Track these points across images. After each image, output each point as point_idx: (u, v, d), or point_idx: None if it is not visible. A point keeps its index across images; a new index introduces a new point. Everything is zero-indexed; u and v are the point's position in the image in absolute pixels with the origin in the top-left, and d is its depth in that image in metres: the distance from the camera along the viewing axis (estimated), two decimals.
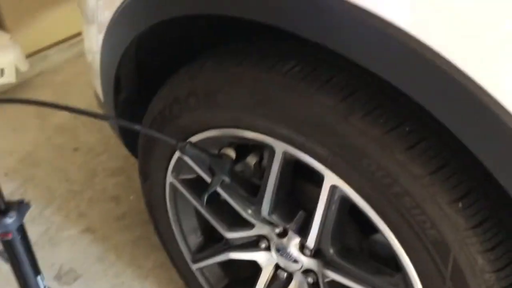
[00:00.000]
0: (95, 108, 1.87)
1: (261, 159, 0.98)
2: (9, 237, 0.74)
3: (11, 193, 1.66)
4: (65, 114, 1.95)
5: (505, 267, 0.68)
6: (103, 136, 1.87)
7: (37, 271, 0.81)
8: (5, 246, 0.77)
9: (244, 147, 0.96)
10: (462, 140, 0.57)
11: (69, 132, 1.88)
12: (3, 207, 0.73)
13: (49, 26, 2.15)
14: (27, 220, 1.48)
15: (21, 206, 0.74)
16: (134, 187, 1.66)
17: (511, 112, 0.52)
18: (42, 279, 0.83)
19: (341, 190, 0.77)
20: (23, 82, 2.07)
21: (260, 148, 0.96)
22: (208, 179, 0.96)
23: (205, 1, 0.75)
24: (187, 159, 0.95)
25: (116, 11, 0.89)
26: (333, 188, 0.78)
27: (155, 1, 0.81)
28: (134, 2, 0.83)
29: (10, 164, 1.77)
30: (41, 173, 1.72)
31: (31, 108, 2.03)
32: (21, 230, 0.76)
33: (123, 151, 1.78)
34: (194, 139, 0.93)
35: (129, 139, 1.21)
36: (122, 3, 0.86)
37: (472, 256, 0.67)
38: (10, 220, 0.72)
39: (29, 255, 0.79)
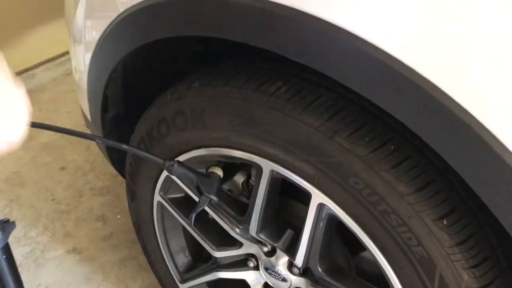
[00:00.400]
0: (83, 126, 1.87)
1: (248, 177, 0.99)
2: None
3: None
4: (51, 133, 1.94)
5: (491, 283, 0.69)
6: (90, 155, 1.86)
7: (20, 286, 0.80)
8: None
9: (231, 166, 0.96)
10: (444, 158, 0.58)
11: (55, 151, 1.87)
12: None
13: (36, 45, 2.15)
14: (12, 241, 1.46)
15: (6, 226, 0.74)
16: (121, 207, 1.65)
17: (490, 129, 0.53)
18: None
19: (328, 208, 0.78)
20: None
21: (247, 167, 0.96)
22: (196, 198, 0.96)
23: (189, 25, 0.76)
24: (174, 178, 0.95)
25: (103, 33, 0.89)
26: (321, 206, 0.78)
27: (140, 24, 0.82)
28: (119, 25, 0.84)
29: None
30: (27, 193, 1.70)
31: None
32: (6, 249, 0.75)
33: (110, 170, 1.78)
34: (181, 158, 0.93)
35: (117, 159, 1.21)
36: (109, 25, 0.87)
37: (458, 272, 0.68)
38: None
39: (14, 275, 0.78)
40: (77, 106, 2.13)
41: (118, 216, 1.62)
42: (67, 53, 2.30)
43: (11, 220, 0.77)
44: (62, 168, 1.80)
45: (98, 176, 1.77)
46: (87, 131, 1.65)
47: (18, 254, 1.50)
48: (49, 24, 2.15)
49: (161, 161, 0.87)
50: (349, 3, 0.59)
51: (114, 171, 1.74)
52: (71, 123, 2.05)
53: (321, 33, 0.61)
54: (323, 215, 0.79)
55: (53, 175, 1.76)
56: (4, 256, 0.75)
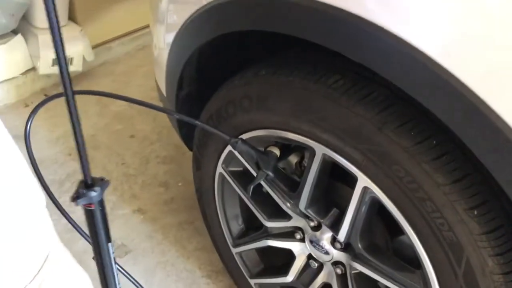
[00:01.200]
0: (151, 99, 2.04)
1: (302, 158, 1.09)
2: (92, 207, 0.89)
3: (74, 171, 1.84)
4: (122, 103, 2.12)
5: None
6: (156, 126, 2.03)
7: (108, 239, 0.96)
8: (86, 215, 0.92)
9: (287, 146, 1.07)
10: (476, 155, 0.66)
11: (126, 120, 2.05)
12: (89, 181, 0.87)
13: (114, 21, 2.34)
14: None
15: (103, 183, 0.89)
16: (183, 175, 1.81)
17: None
18: (112, 246, 0.98)
19: (371, 192, 0.87)
20: (87, 71, 2.27)
21: (301, 148, 1.06)
22: (254, 172, 1.08)
23: (259, 21, 0.86)
24: (237, 153, 1.07)
25: (186, 20, 1.02)
26: (365, 189, 0.88)
27: (222, 16, 0.94)
28: (203, 15, 0.96)
29: (73, 146, 1.95)
30: (100, 156, 1.89)
31: (93, 96, 2.21)
32: (101, 203, 0.90)
33: (175, 141, 1.94)
34: (244, 136, 1.05)
35: (185, 132, 1.35)
36: (192, 14, 0.99)
37: (484, 258, 0.76)
38: (94, 193, 0.87)
39: (104, 224, 0.93)
40: (147, 80, 2.32)
41: (179, 184, 1.78)
42: (139, 29, 2.48)
43: (106, 178, 0.91)
44: (132, 136, 1.98)
45: (163, 146, 1.93)
46: (157, 103, 1.81)
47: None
48: (126, 1, 2.33)
49: (227, 137, 1.00)
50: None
51: (178, 142, 1.90)
52: (141, 96, 2.22)
53: (379, 38, 0.70)
54: (367, 198, 0.89)
55: (123, 142, 1.94)
56: (100, 208, 0.91)
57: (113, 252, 0.99)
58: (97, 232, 0.91)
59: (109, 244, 0.96)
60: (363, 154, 0.84)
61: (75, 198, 0.88)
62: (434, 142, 0.78)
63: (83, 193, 0.87)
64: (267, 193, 1.10)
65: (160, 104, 1.45)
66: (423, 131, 0.80)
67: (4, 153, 0.52)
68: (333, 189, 1.03)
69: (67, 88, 0.75)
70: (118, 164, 1.86)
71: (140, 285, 1.24)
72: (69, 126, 1.83)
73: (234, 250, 1.29)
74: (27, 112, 2.13)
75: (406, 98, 0.81)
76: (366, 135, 0.82)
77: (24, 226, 0.54)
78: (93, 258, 1.08)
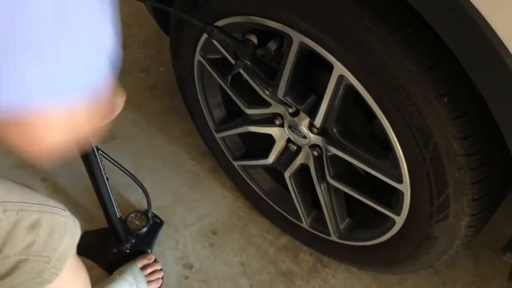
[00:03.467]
0: None
1: (281, 45, 1.08)
2: None
3: None
4: None
5: (475, 153, 0.81)
6: (133, 8, 1.93)
7: None
8: None
9: (265, 33, 1.05)
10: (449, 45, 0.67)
11: None
12: None
13: None
14: None
15: None
16: (164, 60, 1.78)
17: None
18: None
19: (347, 80, 0.88)
20: None
21: (280, 35, 1.05)
22: (232, 60, 1.07)
23: None
24: (214, 42, 1.05)
25: None
26: (340, 77, 0.89)
27: None
28: None
29: None
30: None
31: None
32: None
33: (153, 23, 1.87)
34: (220, 23, 1.02)
35: (161, 17, 1.30)
36: None
37: (449, 142, 0.80)
38: None
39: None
40: None
41: (161, 69, 1.77)
42: None
43: None
44: None
45: (141, 29, 1.87)
46: None
47: None
48: None
49: (202, 25, 0.97)
50: None
51: (157, 25, 1.83)
52: None
53: None
54: (342, 85, 0.90)
55: None
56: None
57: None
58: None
59: None
60: (339, 42, 0.83)
61: None
62: (410, 30, 0.78)
63: None
64: (246, 80, 1.11)
65: None
66: (397, 19, 0.78)
67: None
68: (311, 76, 1.04)
69: None
70: None
71: (126, 170, 1.30)
72: None
73: (217, 135, 1.33)
74: None
75: None
76: (343, 23, 0.81)
77: None
78: None
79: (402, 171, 0.91)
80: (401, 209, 0.98)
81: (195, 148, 1.58)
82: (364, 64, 0.82)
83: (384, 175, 0.96)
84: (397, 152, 0.89)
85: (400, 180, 0.93)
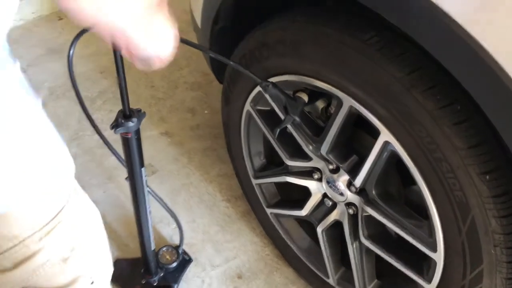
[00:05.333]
0: (181, 21, 2.04)
1: (328, 104, 1.14)
2: (129, 136, 0.96)
3: (105, 89, 1.91)
4: None
5: None
6: (186, 51, 2.05)
7: (142, 164, 1.05)
8: (123, 142, 1.00)
9: (314, 92, 1.11)
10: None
11: None
12: (128, 112, 0.94)
13: None
14: None
15: (140, 114, 0.96)
16: (209, 103, 1.87)
17: None
18: (144, 171, 1.07)
19: (392, 146, 0.92)
20: None
21: (328, 95, 1.10)
22: (280, 114, 1.13)
23: None
24: (267, 96, 1.11)
25: None
26: (386, 143, 0.93)
27: None
28: None
29: (104, 64, 2.01)
30: (130, 77, 1.93)
31: None
32: (137, 132, 0.98)
33: (203, 68, 1.98)
34: (274, 79, 1.09)
35: (217, 66, 1.39)
36: None
37: (488, 219, 0.83)
38: (131, 124, 0.94)
39: (139, 151, 1.02)
40: (179, 2, 2.29)
41: (206, 112, 1.85)
42: None
43: (142, 110, 0.97)
44: None
45: (192, 72, 1.98)
46: (186, 27, 1.83)
47: None
48: None
49: (259, 80, 1.04)
50: None
51: (206, 70, 1.93)
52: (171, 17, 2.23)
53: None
54: (386, 151, 0.94)
55: None
56: (136, 137, 0.98)
57: (145, 176, 1.08)
58: (132, 158, 1.00)
59: (142, 169, 1.05)
60: (389, 111, 0.88)
61: (114, 127, 0.95)
62: (458, 107, 0.82)
63: (122, 123, 0.95)
64: (291, 133, 1.16)
65: (191, 31, 1.47)
66: (448, 96, 0.83)
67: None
68: (355, 136, 1.08)
69: None
70: (148, 87, 1.92)
71: (166, 205, 1.35)
72: (101, 44, 1.87)
73: (254, 181, 1.37)
74: (61, 25, 2.17)
75: (437, 62, 0.84)
76: (394, 93, 0.86)
77: (51, 165, 0.60)
78: (126, 179, 1.18)
79: (437, 240, 0.93)
80: (432, 277, 0.99)
81: (230, 190, 1.63)
82: (411, 135, 0.86)
83: (419, 242, 0.97)
84: (434, 221, 0.92)
85: (434, 249, 0.94)
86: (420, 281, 1.02)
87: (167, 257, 1.38)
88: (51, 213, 0.62)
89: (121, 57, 0.87)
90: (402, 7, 0.78)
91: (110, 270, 0.78)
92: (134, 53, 0.64)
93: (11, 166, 0.54)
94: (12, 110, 0.53)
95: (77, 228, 0.67)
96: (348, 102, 0.95)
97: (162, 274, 1.35)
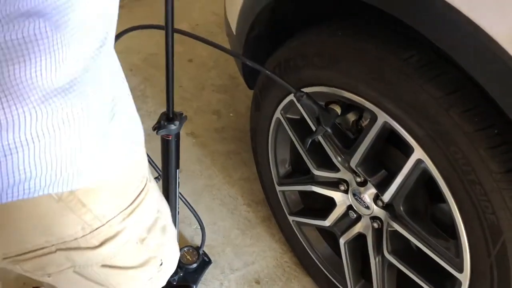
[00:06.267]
0: (211, 22, 2.07)
1: (359, 117, 1.14)
2: (169, 138, 0.98)
3: (134, 87, 1.93)
4: (188, 25, 2.16)
5: None
6: (214, 52, 2.07)
7: (178, 165, 1.07)
8: (163, 144, 1.02)
9: (346, 104, 1.11)
10: None
11: (187, 43, 2.09)
12: (171, 115, 0.96)
13: None
14: (144, 114, 1.76)
15: (182, 118, 0.97)
16: (234, 106, 1.88)
17: None
18: (179, 173, 1.09)
19: (424, 165, 0.92)
20: None
21: (360, 108, 1.11)
22: (312, 124, 1.14)
23: None
24: (299, 106, 1.12)
25: None
26: (418, 161, 0.93)
27: None
28: None
29: (135, 61, 2.03)
30: (159, 75, 1.97)
31: (158, 14, 2.25)
32: (178, 135, 0.99)
33: (230, 71, 2.00)
34: (308, 90, 1.09)
35: (248, 72, 1.40)
36: None
37: None
38: (174, 127, 0.96)
39: (177, 153, 1.03)
40: (208, 4, 2.32)
41: (231, 114, 1.86)
42: None
43: (184, 114, 0.99)
44: (190, 60, 2.04)
45: (219, 74, 1.99)
46: (217, 30, 1.84)
47: (148, 126, 1.80)
48: None
49: (293, 90, 1.05)
50: None
51: (233, 73, 1.95)
52: (201, 18, 2.25)
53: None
54: (419, 169, 0.95)
55: (182, 65, 2.01)
56: (176, 140, 1.00)
57: (178, 178, 1.10)
58: (169, 159, 1.02)
59: (178, 170, 1.07)
60: (424, 130, 0.88)
61: (157, 128, 0.97)
62: (496, 131, 0.82)
63: (164, 125, 0.97)
64: (319, 143, 1.16)
65: (224, 36, 1.49)
66: (487, 119, 0.83)
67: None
68: (385, 151, 1.09)
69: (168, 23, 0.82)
70: (176, 87, 1.92)
71: (192, 207, 1.37)
72: (132, 42, 1.88)
73: (278, 188, 1.38)
74: None
75: (476, 84, 0.85)
76: (431, 113, 0.86)
77: (136, 133, 0.65)
78: (155, 178, 1.20)
79: (464, 261, 0.93)
80: None
81: (252, 195, 1.64)
82: (445, 155, 0.87)
83: (445, 261, 0.97)
84: (462, 242, 0.92)
85: (460, 269, 0.94)
86: None
87: (188, 257, 1.39)
88: (135, 192, 0.65)
89: (172, 59, 0.89)
90: (444, 28, 0.78)
91: (178, 254, 0.82)
92: None
93: (105, 130, 0.57)
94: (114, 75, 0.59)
95: (154, 209, 0.71)
96: (383, 117, 0.96)
97: (181, 274, 1.37)
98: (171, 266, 0.78)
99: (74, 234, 0.60)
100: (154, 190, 0.72)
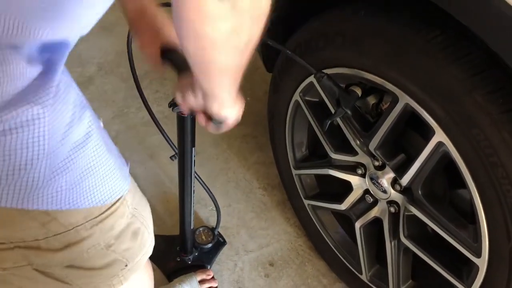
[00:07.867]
0: None
1: (379, 101, 1.13)
2: (185, 115, 0.99)
3: (151, 70, 1.93)
4: None
5: None
6: None
7: (193, 143, 1.07)
8: (179, 121, 1.02)
9: (367, 87, 1.10)
10: None
11: None
12: None
13: None
14: (164, 95, 1.76)
15: None
16: (252, 90, 1.88)
17: None
18: (195, 151, 1.09)
19: (445, 147, 0.91)
20: None
21: (381, 91, 1.10)
22: (331, 106, 1.13)
23: None
24: (318, 87, 1.12)
25: None
26: (439, 144, 0.92)
27: None
28: None
29: None
30: None
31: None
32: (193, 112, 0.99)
33: None
34: (328, 71, 1.09)
35: (267, 54, 1.39)
36: None
37: None
38: None
39: (192, 131, 1.04)
40: None
41: (248, 98, 1.85)
42: None
43: None
44: None
45: None
46: None
47: (166, 108, 1.81)
48: None
49: (314, 71, 1.04)
50: None
51: (251, 56, 1.92)
52: None
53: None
54: (439, 152, 0.94)
55: None
56: (191, 117, 1.01)
57: (194, 156, 1.11)
58: (184, 136, 1.02)
59: (193, 148, 1.08)
60: (446, 112, 0.87)
61: (172, 105, 0.97)
62: None
63: None
64: (337, 126, 1.16)
65: None
66: (511, 101, 0.82)
67: None
68: (404, 135, 1.08)
69: None
70: None
71: (208, 188, 1.37)
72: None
73: (295, 172, 1.38)
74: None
75: (502, 65, 0.83)
76: (455, 95, 0.85)
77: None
78: (171, 157, 1.21)
79: (483, 246, 0.92)
80: (472, 283, 0.98)
81: (267, 179, 1.64)
82: (467, 137, 0.86)
83: (462, 246, 0.97)
84: (481, 226, 0.91)
85: (478, 254, 0.94)
86: (459, 285, 1.02)
87: (203, 237, 1.40)
88: (108, 205, 0.64)
89: None
90: (477, 9, 0.77)
91: (146, 256, 0.78)
92: (215, 116, 0.78)
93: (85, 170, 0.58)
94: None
95: (127, 216, 0.69)
96: (404, 99, 0.95)
97: (196, 254, 1.38)
98: (137, 268, 0.75)
99: (35, 236, 0.59)
100: (132, 194, 0.69)
